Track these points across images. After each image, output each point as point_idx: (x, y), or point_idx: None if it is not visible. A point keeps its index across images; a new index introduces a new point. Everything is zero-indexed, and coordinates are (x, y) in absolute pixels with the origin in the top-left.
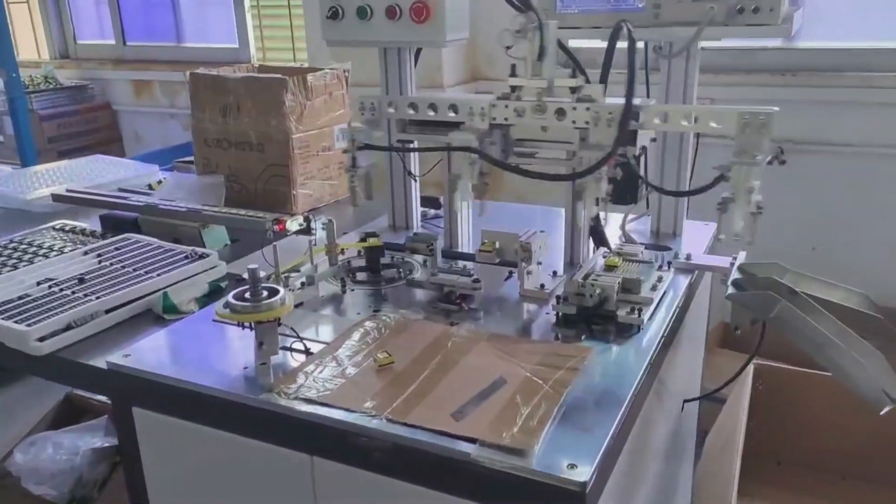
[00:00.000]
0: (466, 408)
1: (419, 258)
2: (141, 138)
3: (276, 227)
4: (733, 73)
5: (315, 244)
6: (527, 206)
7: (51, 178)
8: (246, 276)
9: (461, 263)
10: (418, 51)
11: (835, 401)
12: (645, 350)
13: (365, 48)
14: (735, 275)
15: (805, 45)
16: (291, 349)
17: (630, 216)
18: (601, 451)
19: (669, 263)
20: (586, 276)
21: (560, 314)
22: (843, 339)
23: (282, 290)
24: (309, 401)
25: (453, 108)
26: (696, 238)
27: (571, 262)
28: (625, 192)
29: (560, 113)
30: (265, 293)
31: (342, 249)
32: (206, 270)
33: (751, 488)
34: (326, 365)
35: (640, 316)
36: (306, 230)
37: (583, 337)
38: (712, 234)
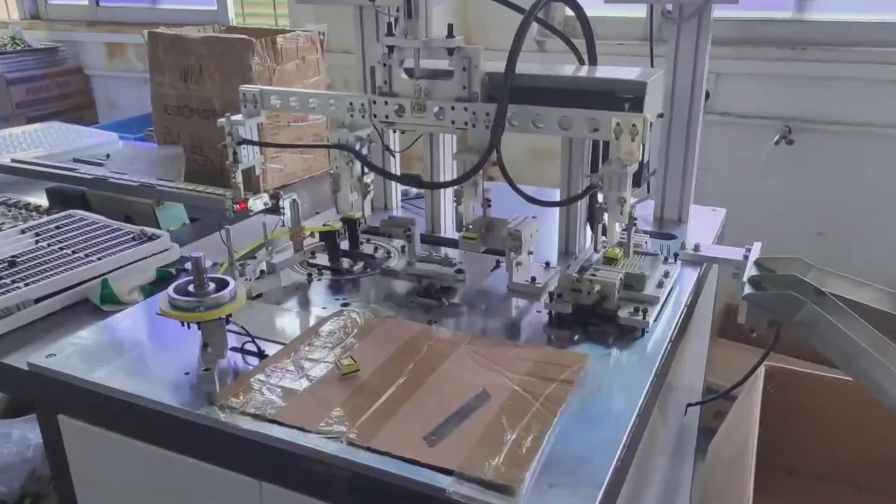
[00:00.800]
0: (443, 429)
1: (397, 244)
2: (114, 104)
3: (236, 207)
4: (740, 46)
5: (283, 224)
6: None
7: (2, 146)
8: (191, 258)
9: (443, 251)
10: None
11: (853, 407)
12: (650, 357)
13: (343, 7)
14: (752, 270)
15: (816, 16)
16: (243, 351)
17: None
18: (603, 488)
19: (676, 255)
20: (583, 270)
21: (553, 313)
22: (878, 349)
23: (232, 282)
24: (256, 416)
25: (332, 102)
26: (703, 225)
27: (566, 252)
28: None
29: (439, 114)
30: (212, 286)
31: (311, 232)
32: (155, 254)
33: (760, 500)
34: (282, 371)
35: (644, 318)
36: (274, 209)
37: (576, 338)
38: (720, 222)
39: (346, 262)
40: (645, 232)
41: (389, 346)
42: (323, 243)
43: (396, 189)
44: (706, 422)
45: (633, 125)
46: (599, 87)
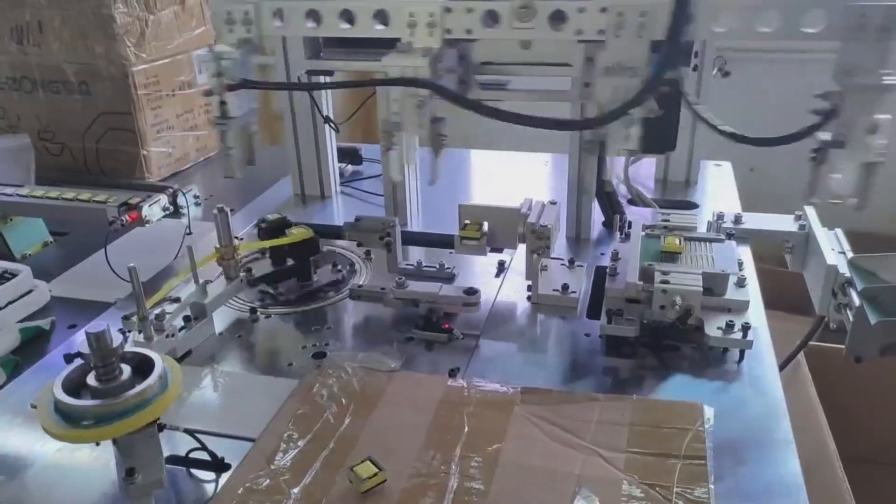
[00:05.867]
0: None
1: (359, 249)
2: None
3: (126, 218)
4: None
5: (189, 231)
6: (472, 151)
7: None
8: (87, 336)
9: (432, 257)
10: None
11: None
12: (769, 393)
13: None
14: (840, 268)
15: None
16: (188, 461)
17: (632, 158)
18: None
19: (731, 235)
20: (646, 275)
21: (610, 338)
22: None
23: (157, 360)
24: None
25: (381, 16)
26: (716, 187)
27: (577, 239)
28: (659, 134)
29: (558, 18)
30: (125, 371)
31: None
32: (13, 301)
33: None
34: (262, 497)
35: (745, 335)
36: (174, 213)
37: (635, 360)
38: (732, 180)
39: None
40: (655, 201)
41: (413, 424)
42: (257, 255)
43: (334, 172)
44: None
45: (643, 14)
46: None
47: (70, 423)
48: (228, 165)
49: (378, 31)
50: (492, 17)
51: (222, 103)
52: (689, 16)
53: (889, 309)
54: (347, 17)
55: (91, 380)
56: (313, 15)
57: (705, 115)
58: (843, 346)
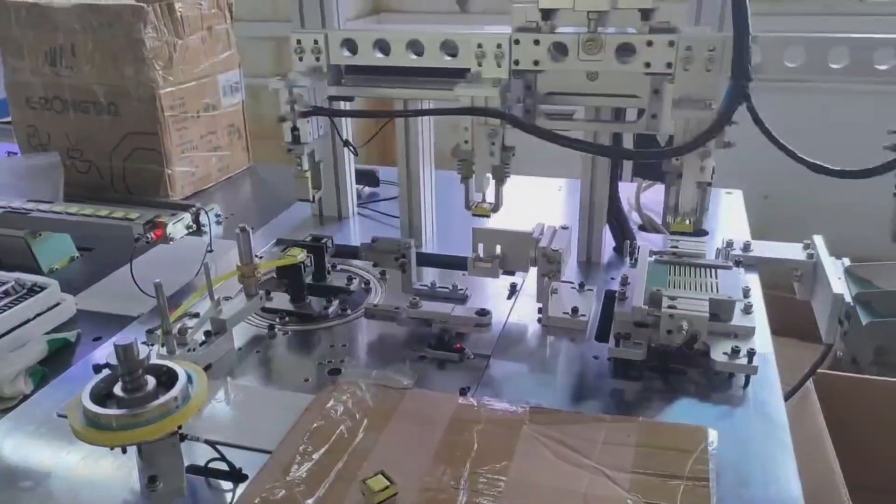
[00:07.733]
0: None
1: (374, 269)
2: None
3: (151, 235)
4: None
5: (210, 248)
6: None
7: None
8: (115, 348)
9: (445, 278)
10: None
11: None
12: (774, 419)
13: None
14: (838, 275)
15: None
16: (208, 472)
17: (644, 184)
18: None
19: (739, 262)
20: (655, 300)
21: (618, 361)
22: None
23: (181, 371)
24: None
25: (448, 47)
26: (727, 214)
27: (588, 263)
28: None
29: (626, 51)
30: (150, 382)
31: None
32: (41, 313)
33: None
34: None
35: (751, 361)
36: (196, 231)
37: (642, 382)
38: (742, 207)
39: (314, 303)
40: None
41: (424, 439)
42: (276, 277)
43: (352, 193)
44: None
45: (712, 48)
46: None
47: (98, 428)
48: (302, 188)
49: (446, 61)
50: (559, 50)
51: (294, 129)
52: (749, 54)
53: (881, 311)
54: (416, 48)
55: (118, 389)
56: (381, 45)
57: (782, 142)
58: (852, 375)
